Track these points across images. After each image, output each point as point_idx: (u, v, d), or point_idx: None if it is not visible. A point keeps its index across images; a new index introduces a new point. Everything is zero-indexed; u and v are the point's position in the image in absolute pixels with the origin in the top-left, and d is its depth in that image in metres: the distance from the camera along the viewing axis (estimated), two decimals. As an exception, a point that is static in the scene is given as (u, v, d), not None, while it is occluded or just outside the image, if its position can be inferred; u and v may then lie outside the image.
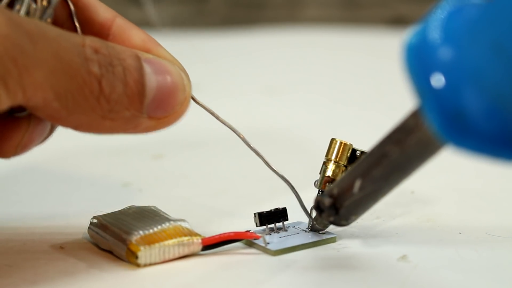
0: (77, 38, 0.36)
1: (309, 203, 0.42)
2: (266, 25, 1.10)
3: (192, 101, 0.40)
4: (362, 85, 0.85)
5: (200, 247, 0.40)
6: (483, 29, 0.32)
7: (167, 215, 0.42)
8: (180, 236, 0.40)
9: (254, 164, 0.45)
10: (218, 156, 0.60)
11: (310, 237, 0.42)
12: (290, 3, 1.15)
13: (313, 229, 0.43)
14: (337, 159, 0.43)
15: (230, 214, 0.47)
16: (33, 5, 0.38)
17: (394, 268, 0.40)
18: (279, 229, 0.43)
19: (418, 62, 0.32)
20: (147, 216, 0.42)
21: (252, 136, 0.43)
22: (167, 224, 0.41)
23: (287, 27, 1.09)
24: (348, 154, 0.43)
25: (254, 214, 0.43)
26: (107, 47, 0.37)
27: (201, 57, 0.90)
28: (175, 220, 0.41)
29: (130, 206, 0.43)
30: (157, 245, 0.39)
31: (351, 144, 0.43)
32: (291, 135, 0.66)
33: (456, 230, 0.44)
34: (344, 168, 0.43)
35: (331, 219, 0.40)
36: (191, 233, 0.41)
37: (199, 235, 0.41)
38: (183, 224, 0.41)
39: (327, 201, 0.40)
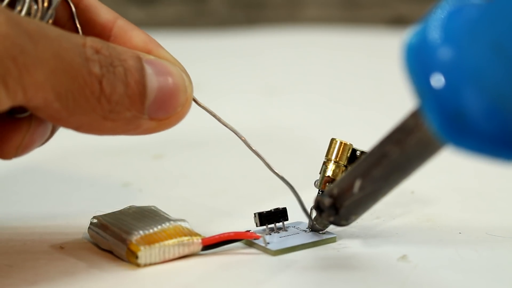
0: (78, 38, 0.36)
1: (309, 203, 0.42)
2: (266, 25, 1.10)
3: (193, 102, 0.40)
4: (362, 85, 0.85)
5: (200, 247, 0.40)
6: (483, 29, 0.32)
7: (167, 215, 0.42)
8: (180, 236, 0.40)
9: (254, 164, 0.45)
10: (218, 156, 0.60)
11: (310, 237, 0.42)
12: (290, 3, 1.15)
13: (313, 229, 0.43)
14: (337, 159, 0.43)
15: (230, 214, 0.47)
16: (34, 6, 0.38)
17: (394, 268, 0.40)
18: (279, 229, 0.43)
19: (418, 62, 0.32)
20: (147, 216, 0.42)
21: (252, 136, 0.43)
22: (167, 224, 0.41)
23: (287, 27, 1.09)
24: (348, 154, 0.43)
25: (254, 214, 0.43)
26: (108, 47, 0.37)
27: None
28: (175, 220, 0.41)
29: (130, 206, 0.43)
30: (157, 245, 0.39)
31: (351, 144, 0.43)
32: (291, 135, 0.66)
33: (456, 230, 0.44)
34: (344, 168, 0.43)
35: (331, 219, 0.40)
36: (191, 233, 0.41)
37: (199, 235, 0.41)
38: (183, 224, 0.41)
39: (327, 201, 0.40)
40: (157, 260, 0.40)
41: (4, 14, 0.34)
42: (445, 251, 0.42)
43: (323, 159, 0.43)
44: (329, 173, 0.43)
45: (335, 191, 0.40)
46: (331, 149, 0.43)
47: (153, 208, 0.43)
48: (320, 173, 0.43)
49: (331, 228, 0.42)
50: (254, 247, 0.42)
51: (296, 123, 0.71)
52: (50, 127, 0.40)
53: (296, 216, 0.44)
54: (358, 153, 0.43)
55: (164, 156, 0.59)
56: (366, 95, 0.81)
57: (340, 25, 1.10)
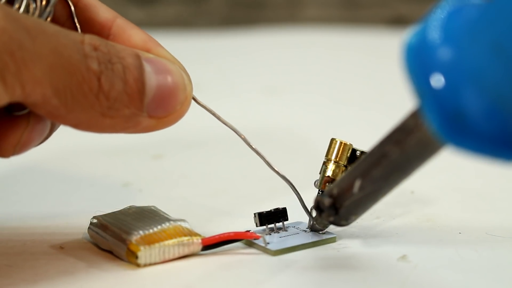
0: (76, 35, 0.36)
1: (309, 203, 0.42)
2: (266, 25, 1.10)
3: (192, 101, 0.40)
4: (362, 85, 0.85)
5: (200, 247, 0.40)
6: (483, 29, 0.32)
7: (167, 215, 0.42)
8: (180, 236, 0.40)
9: (254, 164, 0.45)
10: (218, 156, 0.60)
11: (310, 237, 0.42)
12: (290, 3, 1.15)
13: (313, 229, 0.43)
14: (337, 159, 0.43)
15: (230, 214, 0.47)
16: (33, 4, 0.38)
17: (394, 268, 0.40)
18: (279, 229, 0.43)
19: (418, 62, 0.32)
20: (147, 216, 0.42)
21: (252, 136, 0.43)
22: (167, 224, 0.41)
23: (287, 27, 1.09)
24: (348, 154, 0.43)
25: (254, 214, 0.43)
26: (106, 45, 0.37)
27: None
28: (175, 220, 0.41)
29: (130, 206, 0.43)
30: (157, 245, 0.39)
31: (351, 144, 0.43)
32: (291, 135, 0.66)
33: (456, 230, 0.44)
34: (344, 168, 0.43)
35: (331, 219, 0.40)
36: (191, 233, 0.41)
37: (199, 235, 0.41)
38: (183, 224, 0.41)
39: (327, 201, 0.40)
40: (157, 260, 0.40)
41: (1, 9, 0.34)
42: (445, 251, 0.42)
43: (323, 159, 0.43)
44: (329, 173, 0.43)
45: (335, 191, 0.40)
46: (331, 149, 0.43)
47: (153, 208, 0.43)
48: (320, 173, 0.43)
49: (331, 228, 0.42)
50: (254, 247, 0.42)
51: (296, 123, 0.71)
52: (48, 125, 0.40)
53: (296, 216, 0.44)
54: (358, 153, 0.43)
55: (164, 156, 0.59)
56: (366, 95, 0.81)
57: (340, 25, 1.10)
